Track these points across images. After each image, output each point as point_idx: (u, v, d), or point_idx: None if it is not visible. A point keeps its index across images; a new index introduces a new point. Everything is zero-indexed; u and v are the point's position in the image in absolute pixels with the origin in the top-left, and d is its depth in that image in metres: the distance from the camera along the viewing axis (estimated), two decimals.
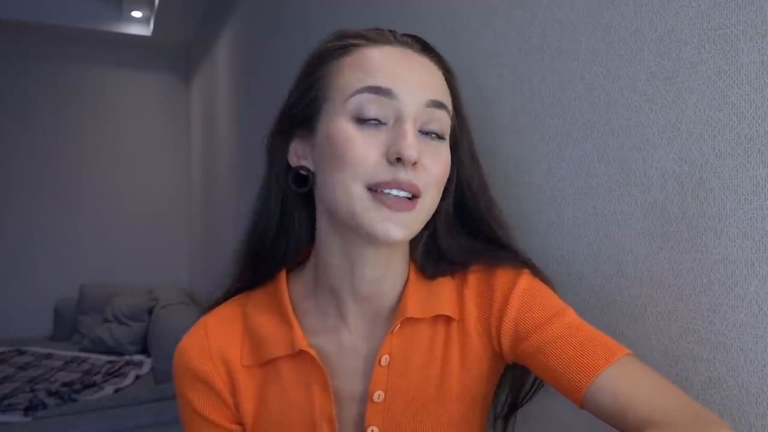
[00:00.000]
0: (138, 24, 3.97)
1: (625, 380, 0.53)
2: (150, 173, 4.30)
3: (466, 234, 0.68)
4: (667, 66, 0.60)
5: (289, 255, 0.68)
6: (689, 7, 0.58)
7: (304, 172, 0.64)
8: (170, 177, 4.36)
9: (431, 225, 0.66)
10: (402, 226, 0.57)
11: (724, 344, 0.55)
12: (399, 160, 0.56)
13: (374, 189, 0.57)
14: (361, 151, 0.56)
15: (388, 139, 0.57)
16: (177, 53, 4.37)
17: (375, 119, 0.57)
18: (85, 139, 4.11)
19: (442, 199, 0.65)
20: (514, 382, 0.74)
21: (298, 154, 0.65)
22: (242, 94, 2.70)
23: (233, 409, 0.66)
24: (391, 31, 0.63)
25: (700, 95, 0.57)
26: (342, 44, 0.62)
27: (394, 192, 0.56)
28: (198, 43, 3.96)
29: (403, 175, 0.56)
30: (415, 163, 0.57)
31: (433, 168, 0.59)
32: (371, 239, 0.58)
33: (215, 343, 0.66)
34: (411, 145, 0.55)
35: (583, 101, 0.71)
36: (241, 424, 0.67)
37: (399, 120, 0.57)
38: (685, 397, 0.52)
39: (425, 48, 0.64)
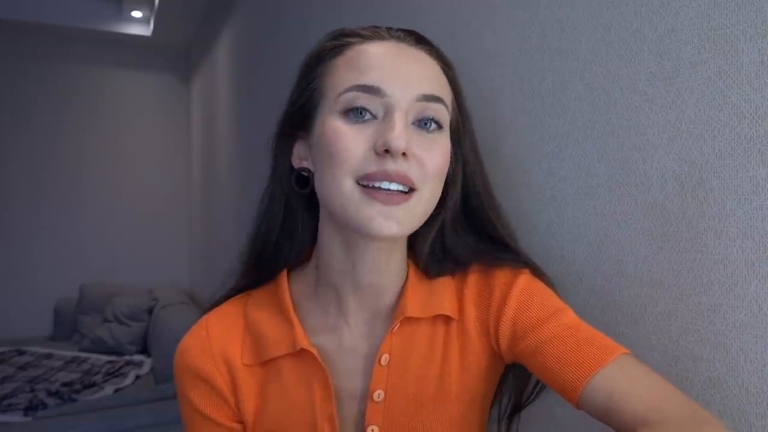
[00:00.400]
0: (138, 24, 3.96)
1: (622, 380, 0.53)
2: (150, 173, 4.30)
3: (472, 233, 0.68)
4: (667, 66, 0.60)
5: (292, 256, 0.69)
6: (689, 7, 0.58)
7: (305, 173, 0.65)
8: (170, 177, 4.36)
9: (439, 223, 0.66)
10: (395, 220, 0.56)
11: (724, 344, 0.55)
12: (387, 151, 0.55)
13: (365, 184, 0.56)
14: (349, 144, 0.56)
15: (376, 132, 0.57)
16: (177, 53, 4.37)
17: (364, 109, 0.57)
18: (85, 139, 4.11)
19: (450, 195, 0.65)
20: (517, 383, 0.74)
21: (300, 156, 0.65)
22: (242, 94, 2.70)
23: (234, 408, 0.66)
24: (388, 28, 0.63)
25: (700, 95, 0.57)
26: (337, 43, 0.62)
27: (385, 185, 0.56)
28: (198, 43, 3.96)
29: (392, 165, 0.55)
30: (405, 154, 0.56)
31: (427, 159, 0.58)
32: (367, 236, 0.58)
33: (216, 342, 0.66)
34: (398, 135, 0.55)
35: (583, 101, 0.71)
36: (241, 422, 0.67)
37: (388, 113, 0.57)
38: (682, 396, 0.51)
39: (420, 41, 0.63)
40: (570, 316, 0.61)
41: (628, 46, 0.65)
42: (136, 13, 3.86)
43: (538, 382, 0.72)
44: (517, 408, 0.75)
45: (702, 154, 0.57)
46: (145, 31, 3.97)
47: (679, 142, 0.59)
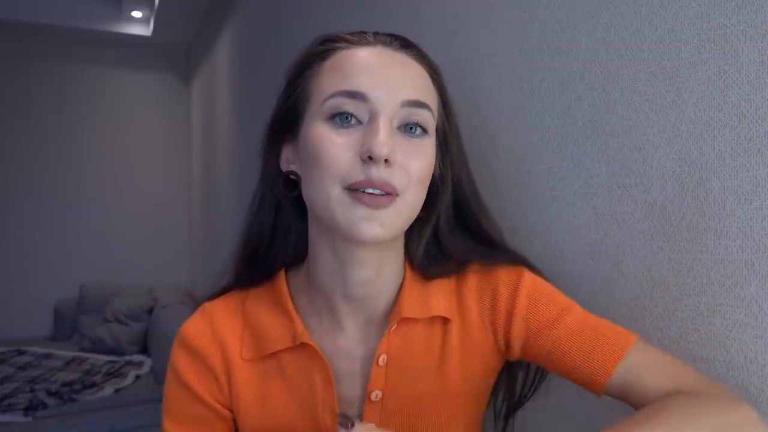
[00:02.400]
0: (138, 24, 3.96)
1: (645, 361, 0.57)
2: (150, 173, 4.29)
3: (465, 232, 0.69)
4: (667, 66, 0.60)
5: (288, 256, 0.69)
6: (689, 7, 0.58)
7: (293, 177, 0.65)
8: (170, 177, 4.35)
9: (432, 224, 0.67)
10: (380, 224, 0.56)
11: (724, 344, 0.55)
12: (371, 158, 0.55)
13: (351, 189, 0.57)
14: (334, 151, 0.57)
15: (361, 138, 0.57)
16: (177, 53, 4.37)
17: (350, 114, 0.57)
18: (85, 139, 4.11)
19: (442, 196, 0.65)
20: (509, 380, 0.74)
21: (288, 159, 0.65)
22: (242, 94, 2.70)
23: (226, 394, 0.66)
24: (375, 32, 0.63)
25: (700, 95, 0.57)
26: (324, 48, 0.62)
27: (369, 190, 0.56)
28: (198, 43, 3.96)
29: (376, 173, 0.55)
30: (387, 161, 0.56)
31: (410, 165, 0.58)
32: (353, 240, 0.58)
33: (218, 330, 0.67)
34: (381, 142, 0.55)
35: (583, 101, 0.71)
36: (230, 410, 0.67)
37: (373, 118, 0.57)
38: (696, 371, 0.56)
39: (405, 45, 0.63)
40: (579, 309, 0.63)
41: (628, 46, 0.65)
42: (136, 13, 3.86)
43: (534, 378, 0.74)
44: (516, 405, 0.75)
45: (702, 154, 0.57)
46: (145, 31, 3.97)
47: (679, 142, 0.59)
